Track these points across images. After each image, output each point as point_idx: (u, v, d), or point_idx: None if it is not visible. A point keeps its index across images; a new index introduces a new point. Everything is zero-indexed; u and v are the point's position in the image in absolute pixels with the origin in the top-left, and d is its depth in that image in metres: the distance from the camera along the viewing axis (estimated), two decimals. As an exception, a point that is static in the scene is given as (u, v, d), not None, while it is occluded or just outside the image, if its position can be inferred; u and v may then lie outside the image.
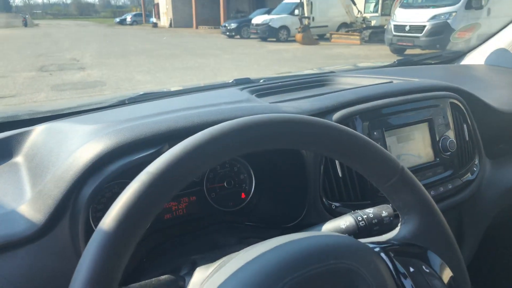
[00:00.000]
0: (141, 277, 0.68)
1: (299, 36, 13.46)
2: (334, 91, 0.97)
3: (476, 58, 1.65)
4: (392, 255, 0.51)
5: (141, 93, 1.11)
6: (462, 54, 1.72)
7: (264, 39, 15.24)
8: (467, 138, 1.01)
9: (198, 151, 0.42)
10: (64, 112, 0.95)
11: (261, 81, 1.22)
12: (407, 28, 9.57)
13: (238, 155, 0.47)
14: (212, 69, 8.47)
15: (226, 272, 0.45)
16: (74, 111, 0.96)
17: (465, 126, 1.01)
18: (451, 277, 0.52)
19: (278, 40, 14.91)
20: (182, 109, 0.79)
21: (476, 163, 1.03)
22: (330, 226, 0.62)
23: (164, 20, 29.90)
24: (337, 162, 0.83)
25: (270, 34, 15.08)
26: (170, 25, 27.50)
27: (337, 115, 0.85)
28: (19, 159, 0.77)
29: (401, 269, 0.50)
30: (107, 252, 0.38)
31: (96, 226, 0.51)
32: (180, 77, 7.55)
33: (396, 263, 0.50)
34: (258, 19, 15.81)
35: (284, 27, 15.15)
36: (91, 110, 0.96)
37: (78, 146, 0.65)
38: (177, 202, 0.85)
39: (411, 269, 0.50)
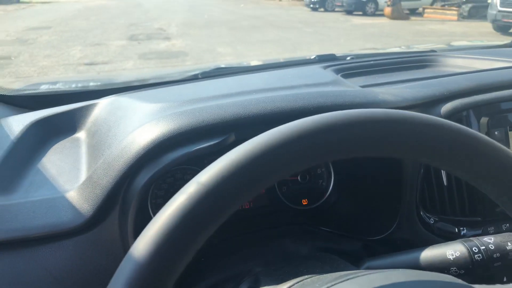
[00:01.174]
0: (195, 278, 0.61)
1: (388, 10, 12.56)
2: (441, 75, 0.79)
3: None
4: None
5: (216, 67, 1.02)
6: None
7: (349, 12, 14.46)
8: None
9: (270, 156, 0.31)
10: (133, 84, 0.90)
11: (348, 58, 1.07)
12: (517, 2, 8.40)
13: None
14: (292, 43, 8.25)
15: None
16: (143, 84, 0.90)
17: None
18: None
19: (365, 14, 14.05)
20: (254, 91, 0.68)
21: None
22: (434, 254, 0.49)
23: (248, -9, 29.74)
24: None
25: (356, 7, 14.25)
26: (254, -3, 27.32)
27: (446, 107, 0.68)
28: (81, 134, 0.72)
29: None
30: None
31: (155, 214, 0.43)
32: (259, 50, 7.47)
33: None
34: (344, -10, 14.99)
35: (372, 0, 14.21)
36: (161, 84, 0.90)
37: (133, 128, 0.58)
38: (244, 193, 0.76)
39: None
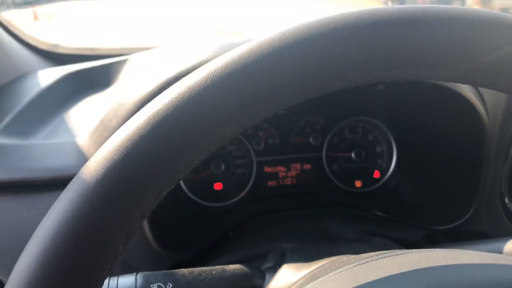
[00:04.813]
0: (216, 255, 0.52)
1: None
2: None
3: None
4: None
5: None
6: None
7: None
8: None
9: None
10: None
11: None
12: None
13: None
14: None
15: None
16: None
17: None
18: None
19: (448, 12, 13.16)
20: None
21: None
22: None
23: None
24: None
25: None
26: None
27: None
28: (112, 88, 0.68)
29: None
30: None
31: None
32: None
33: None
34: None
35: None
36: None
37: (146, 74, 0.52)
38: (285, 168, 0.65)
39: None
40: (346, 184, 0.65)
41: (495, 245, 0.37)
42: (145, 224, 0.47)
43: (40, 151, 0.51)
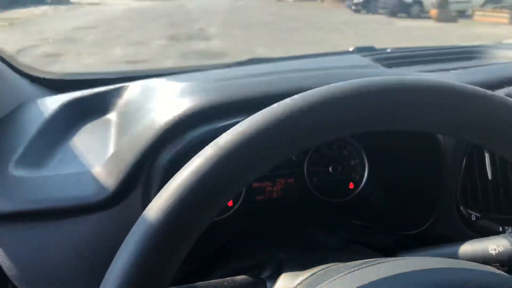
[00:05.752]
0: (218, 265, 0.58)
1: (434, 12, 12.11)
2: (496, 63, 0.73)
3: None
4: None
5: (251, 58, 1.00)
6: None
7: (393, 14, 14.06)
8: None
9: (294, 119, 0.28)
10: (168, 72, 0.90)
11: (388, 50, 1.01)
12: None
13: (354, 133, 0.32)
14: (334, 44, 8.12)
15: None
16: (176, 71, 0.90)
17: None
18: None
19: (409, 16, 13.62)
20: (286, 71, 0.65)
21: None
22: (474, 248, 0.44)
23: (289, -7, 29.75)
24: (487, 157, 0.61)
25: (400, 8, 13.84)
26: (295, -1, 27.29)
27: (503, 91, 0.62)
28: (112, 115, 0.73)
29: None
30: (150, 249, 0.27)
31: None
32: (300, 52, 7.39)
33: None
34: (388, -8, 14.60)
35: (418, 2, 13.76)
36: (193, 71, 0.89)
37: (159, 105, 0.57)
38: (271, 183, 0.73)
39: None
40: (326, 195, 0.73)
41: (450, 249, 0.45)
42: None
43: (59, 182, 0.54)
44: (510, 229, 0.60)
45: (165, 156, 0.52)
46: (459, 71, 0.69)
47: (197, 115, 0.52)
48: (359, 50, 1.00)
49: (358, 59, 0.82)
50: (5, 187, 0.53)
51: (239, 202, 0.70)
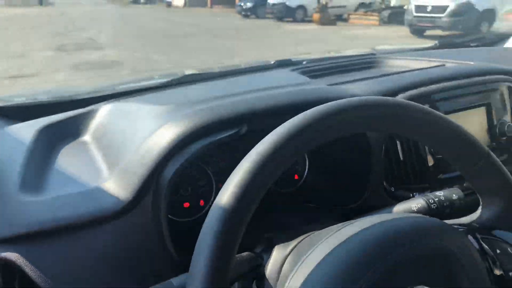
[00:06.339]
0: None
1: (316, 16, 13.20)
2: (390, 74, 0.96)
3: (522, 40, 1.59)
4: (479, 236, 0.51)
5: (184, 74, 1.11)
6: (505, 37, 1.66)
7: (280, 19, 14.96)
8: None
9: (304, 130, 0.43)
10: (118, 91, 0.96)
11: (304, 62, 1.19)
12: (429, 8, 9.29)
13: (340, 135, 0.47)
14: (228, 49, 8.38)
15: (314, 255, 0.44)
16: (126, 91, 0.96)
17: None
18: None
19: (295, 20, 14.64)
20: (250, 91, 0.80)
21: None
22: (401, 208, 0.61)
23: (178, -1, 29.59)
24: (398, 144, 0.81)
25: (286, 13, 14.79)
26: (185, 4, 27.20)
27: (402, 97, 0.83)
28: (86, 138, 0.79)
29: (489, 251, 0.50)
30: (226, 233, 0.38)
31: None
32: (195, 57, 7.49)
33: (483, 244, 0.50)
34: (274, -2, 15.49)
35: (301, 7, 14.85)
36: (143, 91, 0.96)
37: (158, 126, 0.67)
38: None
39: (498, 251, 0.50)
40: (277, 187, 0.87)
41: (386, 212, 0.62)
42: (167, 236, 0.62)
43: (74, 200, 0.60)
44: (416, 194, 0.81)
45: (171, 168, 0.61)
46: (368, 81, 0.89)
47: (195, 133, 0.63)
48: (280, 63, 1.17)
49: (290, 75, 0.98)
50: (22, 211, 0.58)
51: (211, 201, 0.79)
